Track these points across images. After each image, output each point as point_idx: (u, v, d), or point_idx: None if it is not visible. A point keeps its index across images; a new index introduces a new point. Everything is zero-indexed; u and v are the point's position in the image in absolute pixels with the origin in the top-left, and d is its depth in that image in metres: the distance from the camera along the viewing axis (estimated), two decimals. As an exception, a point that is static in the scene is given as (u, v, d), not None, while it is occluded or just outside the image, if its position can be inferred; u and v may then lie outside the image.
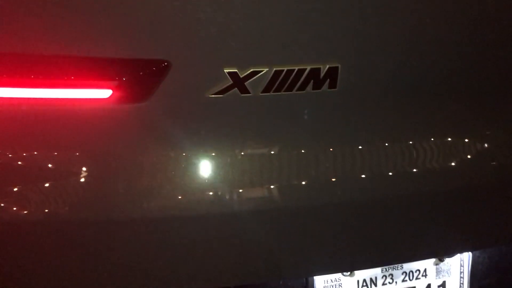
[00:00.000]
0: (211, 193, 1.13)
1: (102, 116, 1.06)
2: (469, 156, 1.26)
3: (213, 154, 1.13)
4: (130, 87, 1.03)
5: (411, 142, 1.23)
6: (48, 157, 1.09)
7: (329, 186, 1.19)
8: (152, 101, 1.05)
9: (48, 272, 1.14)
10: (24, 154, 1.08)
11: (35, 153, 1.08)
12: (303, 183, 1.17)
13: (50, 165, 1.09)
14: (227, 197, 1.14)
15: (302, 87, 1.07)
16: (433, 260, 1.49)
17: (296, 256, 1.25)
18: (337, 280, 1.42)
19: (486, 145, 1.28)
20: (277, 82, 1.05)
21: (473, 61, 1.18)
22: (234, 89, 1.05)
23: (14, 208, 1.08)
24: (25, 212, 1.07)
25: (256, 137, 1.15)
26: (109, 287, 1.17)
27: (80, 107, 1.04)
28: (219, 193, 1.13)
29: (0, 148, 1.07)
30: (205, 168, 1.13)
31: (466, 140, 1.26)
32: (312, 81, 1.06)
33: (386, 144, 1.21)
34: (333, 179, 1.18)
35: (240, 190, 1.14)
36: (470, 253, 1.52)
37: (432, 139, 1.24)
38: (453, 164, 1.25)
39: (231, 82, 1.04)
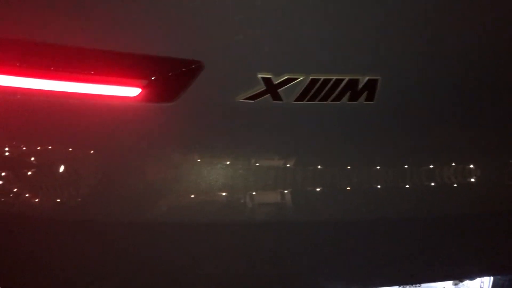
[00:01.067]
0: (230, 200, 1.10)
1: (128, 114, 1.03)
2: (492, 180, 1.22)
3: (238, 160, 1.10)
4: (160, 86, 1.00)
5: (441, 162, 1.19)
6: (69, 152, 1.06)
7: (352, 202, 1.15)
8: (180, 102, 1.01)
9: (54, 272, 1.13)
10: (42, 148, 1.05)
11: (53, 147, 1.05)
12: (327, 197, 1.14)
13: (71, 160, 1.05)
14: (248, 205, 1.10)
15: (338, 98, 1.03)
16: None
17: (310, 271, 1.22)
18: (352, 295, 1.39)
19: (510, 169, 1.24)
20: (312, 91, 1.02)
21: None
22: (267, 95, 1.01)
23: (35, 205, 1.05)
24: (47, 209, 1.05)
25: (285, 146, 1.12)
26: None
27: (106, 103, 1.01)
28: (241, 200, 1.10)
29: (22, 140, 1.04)
30: (228, 173, 1.10)
31: (492, 163, 1.23)
32: (349, 92, 1.02)
33: (415, 163, 1.17)
34: (357, 195, 1.15)
35: (261, 199, 1.11)
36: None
37: (463, 160, 1.20)
38: (478, 186, 1.21)
39: (264, 88, 1.01)
